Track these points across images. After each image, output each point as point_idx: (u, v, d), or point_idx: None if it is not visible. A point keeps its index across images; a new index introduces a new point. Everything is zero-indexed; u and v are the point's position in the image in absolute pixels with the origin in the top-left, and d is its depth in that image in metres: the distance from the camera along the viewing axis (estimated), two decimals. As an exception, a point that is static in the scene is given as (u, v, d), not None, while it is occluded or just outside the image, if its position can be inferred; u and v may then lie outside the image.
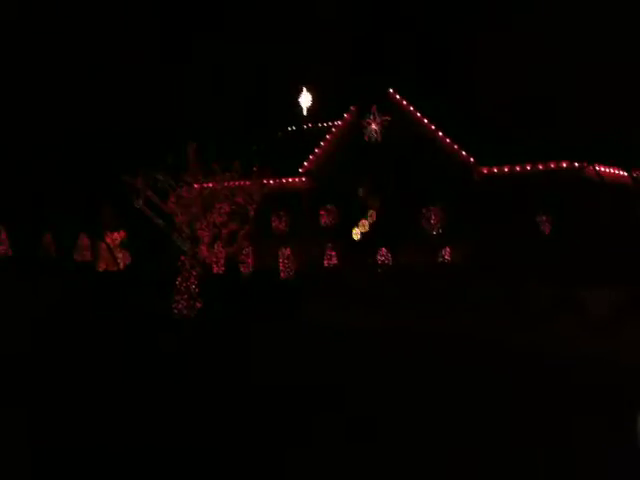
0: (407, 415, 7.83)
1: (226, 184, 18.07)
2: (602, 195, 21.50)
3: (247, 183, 18.74)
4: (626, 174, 22.55)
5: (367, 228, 23.96)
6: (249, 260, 24.32)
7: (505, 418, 7.59)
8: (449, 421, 7.46)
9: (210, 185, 17.88)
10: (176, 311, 15.51)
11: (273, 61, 36.53)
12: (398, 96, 25.07)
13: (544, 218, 20.98)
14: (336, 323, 14.34)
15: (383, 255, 22.68)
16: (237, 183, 18.55)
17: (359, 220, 23.99)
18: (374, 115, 25.12)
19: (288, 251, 23.23)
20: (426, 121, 24.27)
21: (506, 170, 22.32)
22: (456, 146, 23.43)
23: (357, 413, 7.86)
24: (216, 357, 11.56)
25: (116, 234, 25.71)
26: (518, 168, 22.07)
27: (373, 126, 25.13)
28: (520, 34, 25.83)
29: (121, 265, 25.77)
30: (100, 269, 25.39)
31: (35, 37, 34.56)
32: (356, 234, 24.07)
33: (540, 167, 21.59)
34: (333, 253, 23.27)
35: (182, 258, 16.15)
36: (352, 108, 26.11)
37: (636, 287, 10.20)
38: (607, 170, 22.24)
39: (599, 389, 8.70)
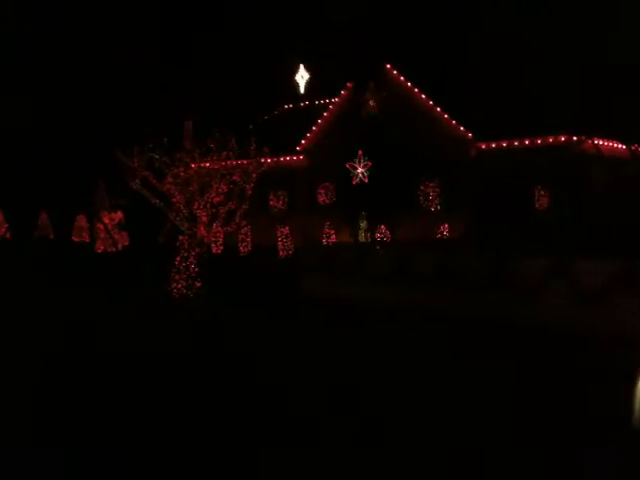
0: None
1: (223, 163, 18.01)
2: (600, 169, 21.47)
3: (244, 162, 18.66)
4: (624, 147, 22.50)
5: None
6: (248, 239, 24.36)
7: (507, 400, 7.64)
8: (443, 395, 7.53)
9: (207, 164, 17.83)
10: (175, 291, 15.56)
11: (270, 39, 36.19)
12: (395, 72, 24.90)
13: (542, 192, 20.97)
14: (332, 299, 14.46)
15: (382, 232, 22.70)
16: (234, 162, 18.49)
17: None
18: (371, 91, 24.94)
19: (286, 230, 23.25)
20: (424, 97, 24.14)
21: (504, 145, 22.25)
22: (454, 122, 23.32)
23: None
24: (218, 341, 11.57)
25: (114, 215, 25.72)
26: (516, 143, 22.00)
27: (370, 102, 24.96)
28: (521, 9, 25.55)
29: (119, 246, 25.80)
30: (98, 250, 25.44)
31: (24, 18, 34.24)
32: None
33: (538, 141, 21.52)
34: (331, 231, 23.27)
35: (180, 238, 16.16)
36: (348, 84, 25.95)
37: (631, 260, 10.25)
38: (605, 144, 22.18)
39: (591, 362, 8.78)
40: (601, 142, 21.92)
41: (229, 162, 18.04)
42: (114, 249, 25.52)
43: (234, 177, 17.80)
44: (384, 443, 6.10)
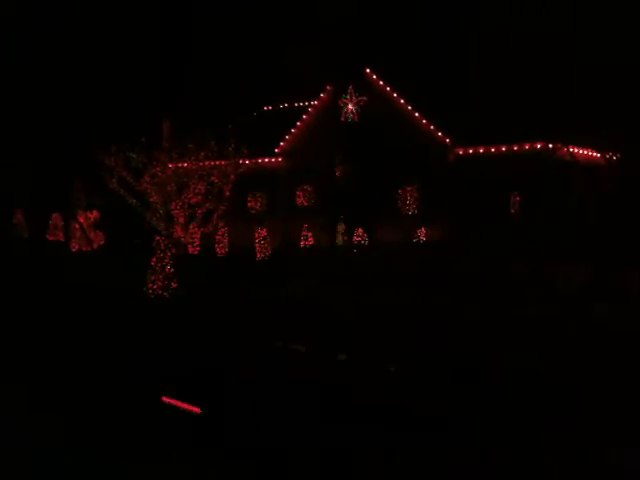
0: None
1: (201, 163, 17.95)
2: (575, 176, 21.75)
3: (222, 163, 18.63)
4: (599, 155, 22.85)
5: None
6: (225, 240, 24.23)
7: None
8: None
9: (185, 164, 17.76)
10: (151, 291, 15.42)
11: (250, 40, 36.15)
12: (375, 76, 25.00)
13: (517, 198, 21.17)
14: (312, 299, 14.49)
15: (359, 235, 22.73)
16: (212, 163, 18.44)
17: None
18: (351, 95, 25.04)
19: (264, 232, 23.19)
20: (402, 101, 24.26)
21: (481, 151, 22.45)
22: (432, 126, 23.48)
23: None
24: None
25: (89, 214, 25.43)
26: (493, 149, 22.21)
27: (350, 106, 25.06)
28: (501, 17, 25.83)
29: (94, 245, 25.51)
30: (73, 249, 25.12)
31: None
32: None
33: (515, 148, 21.75)
34: (309, 233, 23.25)
35: (157, 238, 16.02)
36: (328, 87, 26.00)
37: (604, 265, 10.41)
38: (580, 151, 22.49)
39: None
40: (577, 150, 22.22)
41: (207, 163, 18.01)
42: (89, 248, 25.21)
43: (212, 178, 17.77)
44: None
